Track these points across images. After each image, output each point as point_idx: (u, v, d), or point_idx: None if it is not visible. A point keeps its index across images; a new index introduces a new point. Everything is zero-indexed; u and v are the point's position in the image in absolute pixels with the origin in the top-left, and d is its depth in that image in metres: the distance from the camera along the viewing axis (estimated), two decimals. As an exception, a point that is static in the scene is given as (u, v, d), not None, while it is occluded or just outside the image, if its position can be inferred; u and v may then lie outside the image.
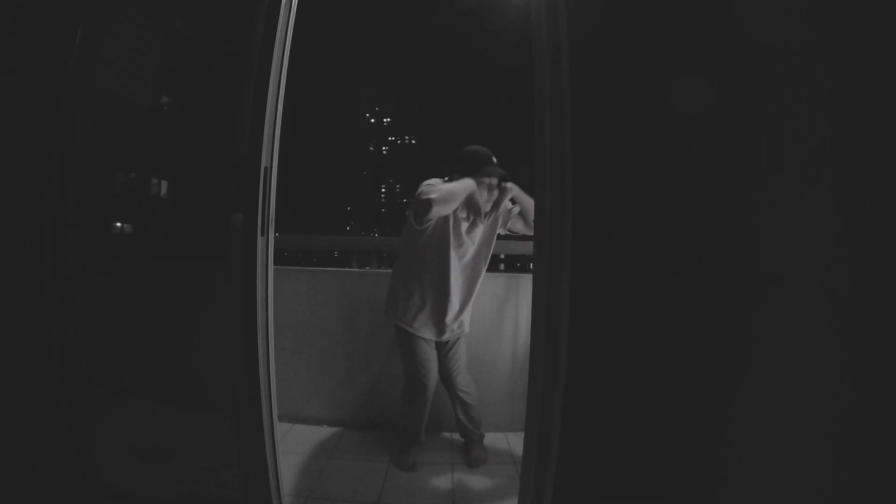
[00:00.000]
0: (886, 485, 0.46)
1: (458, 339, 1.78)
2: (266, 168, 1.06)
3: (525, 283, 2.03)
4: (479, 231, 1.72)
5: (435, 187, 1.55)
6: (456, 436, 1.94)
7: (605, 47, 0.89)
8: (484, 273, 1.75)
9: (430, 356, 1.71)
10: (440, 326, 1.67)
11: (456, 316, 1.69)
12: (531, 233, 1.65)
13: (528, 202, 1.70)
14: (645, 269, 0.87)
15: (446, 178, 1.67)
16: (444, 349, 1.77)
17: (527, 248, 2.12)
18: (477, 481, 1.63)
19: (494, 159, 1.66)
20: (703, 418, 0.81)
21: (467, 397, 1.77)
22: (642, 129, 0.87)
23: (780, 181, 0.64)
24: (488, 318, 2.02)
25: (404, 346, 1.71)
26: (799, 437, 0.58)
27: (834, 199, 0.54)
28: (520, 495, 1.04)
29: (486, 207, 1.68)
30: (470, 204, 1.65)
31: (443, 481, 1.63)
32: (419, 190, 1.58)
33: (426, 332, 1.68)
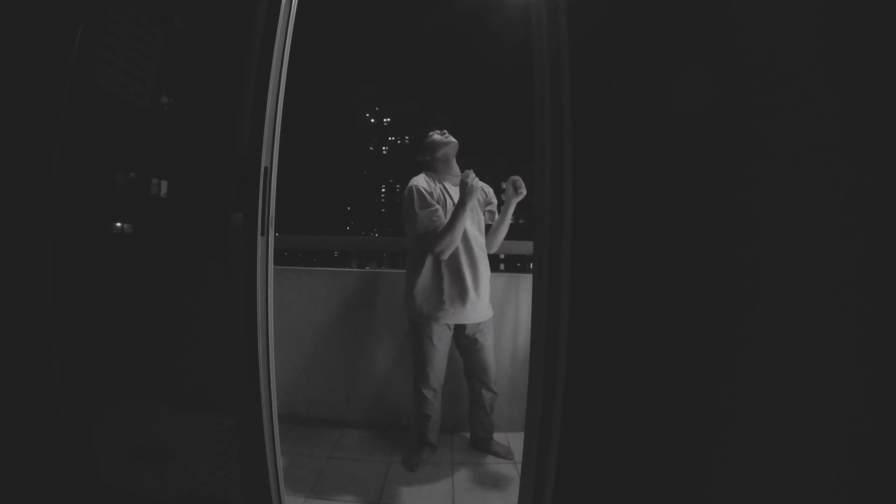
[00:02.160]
0: (889, 486, 0.46)
1: (486, 330, 1.76)
2: (266, 168, 1.06)
3: (525, 283, 2.03)
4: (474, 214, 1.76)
5: (441, 232, 1.60)
6: (458, 436, 1.94)
7: (606, 47, 0.89)
8: (485, 252, 1.78)
9: (441, 348, 1.69)
10: (459, 309, 1.66)
11: (474, 295, 1.68)
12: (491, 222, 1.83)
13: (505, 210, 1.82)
14: (645, 268, 0.87)
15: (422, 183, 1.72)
16: (468, 340, 1.75)
17: (527, 248, 2.12)
18: (477, 481, 1.63)
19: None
20: (705, 418, 0.81)
21: (494, 385, 1.80)
22: (642, 128, 0.87)
23: (781, 179, 0.64)
24: (488, 318, 2.02)
25: (414, 338, 1.72)
26: (801, 439, 0.58)
27: (836, 197, 0.54)
28: (520, 495, 1.04)
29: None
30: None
31: (443, 481, 1.63)
32: (419, 216, 1.60)
33: (446, 318, 1.66)
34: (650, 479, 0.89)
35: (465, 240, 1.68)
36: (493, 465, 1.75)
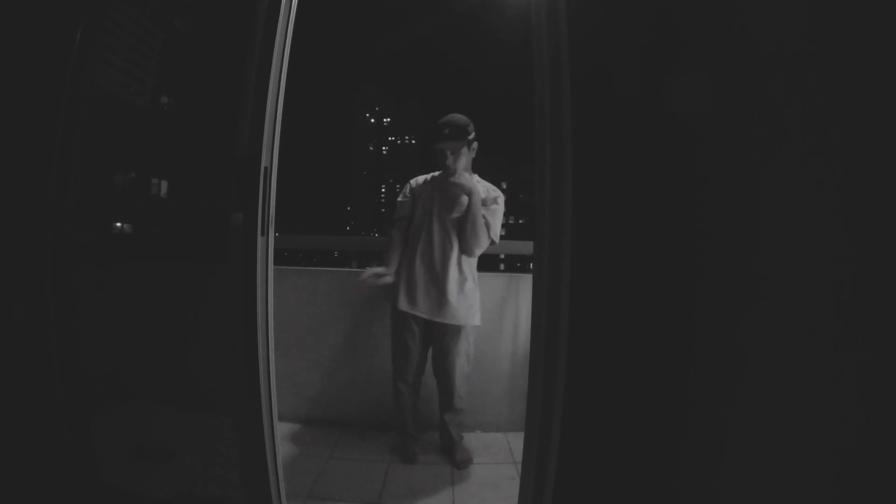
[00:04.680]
0: (888, 486, 0.46)
1: (459, 333, 1.71)
2: (266, 168, 1.06)
3: (525, 283, 2.03)
4: (442, 204, 1.73)
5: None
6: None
7: (606, 47, 0.89)
8: (457, 251, 1.71)
9: (413, 343, 1.74)
10: (413, 300, 1.70)
11: (428, 290, 1.69)
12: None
13: (486, 218, 1.71)
14: (646, 268, 0.87)
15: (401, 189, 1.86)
16: (436, 340, 1.74)
17: (527, 248, 2.12)
18: (477, 481, 1.64)
19: (446, 130, 1.71)
20: (705, 419, 0.81)
21: (458, 401, 1.75)
22: (643, 128, 0.87)
23: (781, 179, 0.64)
24: (488, 318, 2.01)
25: (392, 328, 1.79)
26: (801, 439, 0.58)
27: (837, 197, 0.54)
28: (520, 495, 1.04)
29: (452, 171, 1.70)
30: (437, 180, 1.78)
31: (443, 481, 1.63)
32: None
33: (406, 306, 1.71)
34: (650, 480, 0.89)
35: (429, 237, 1.71)
36: (493, 465, 1.75)
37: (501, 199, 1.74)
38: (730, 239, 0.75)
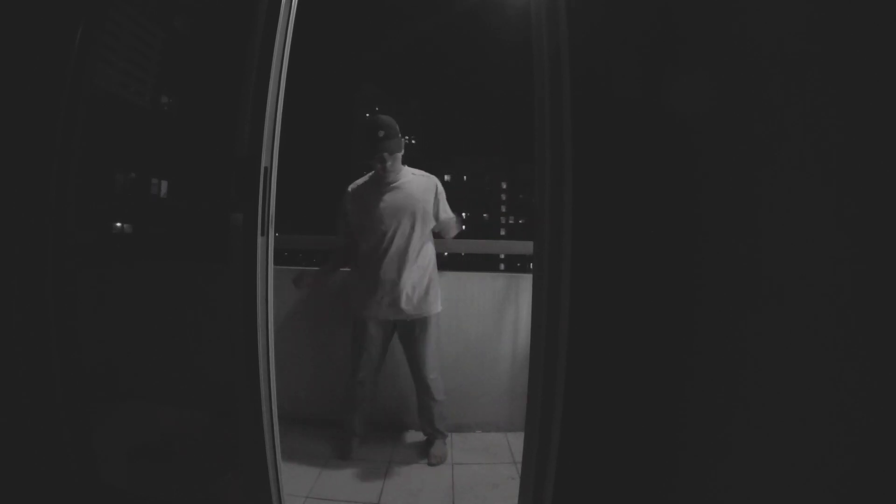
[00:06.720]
0: (887, 486, 0.46)
1: (425, 324, 1.75)
2: (266, 168, 1.06)
3: (525, 283, 2.03)
4: (391, 205, 1.74)
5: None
6: (458, 435, 1.94)
7: (606, 47, 0.89)
8: (421, 246, 1.75)
9: (372, 346, 1.76)
10: (382, 305, 1.72)
11: (390, 294, 1.71)
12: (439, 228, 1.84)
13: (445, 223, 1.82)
14: (646, 268, 0.87)
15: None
16: (406, 334, 1.78)
17: (527, 248, 2.12)
18: (477, 481, 1.63)
19: (381, 133, 1.71)
20: (704, 419, 0.81)
21: (436, 392, 1.78)
22: (643, 128, 0.87)
23: (783, 180, 0.64)
24: (488, 318, 2.01)
25: (352, 332, 1.81)
26: (800, 439, 0.58)
27: (837, 197, 0.54)
28: (520, 495, 1.04)
29: (387, 177, 1.74)
30: (376, 181, 1.78)
31: (442, 481, 1.63)
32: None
33: (373, 313, 1.73)
34: (650, 479, 0.89)
35: (380, 241, 1.72)
36: (493, 465, 1.75)
37: (439, 184, 1.80)
38: (730, 239, 0.75)
